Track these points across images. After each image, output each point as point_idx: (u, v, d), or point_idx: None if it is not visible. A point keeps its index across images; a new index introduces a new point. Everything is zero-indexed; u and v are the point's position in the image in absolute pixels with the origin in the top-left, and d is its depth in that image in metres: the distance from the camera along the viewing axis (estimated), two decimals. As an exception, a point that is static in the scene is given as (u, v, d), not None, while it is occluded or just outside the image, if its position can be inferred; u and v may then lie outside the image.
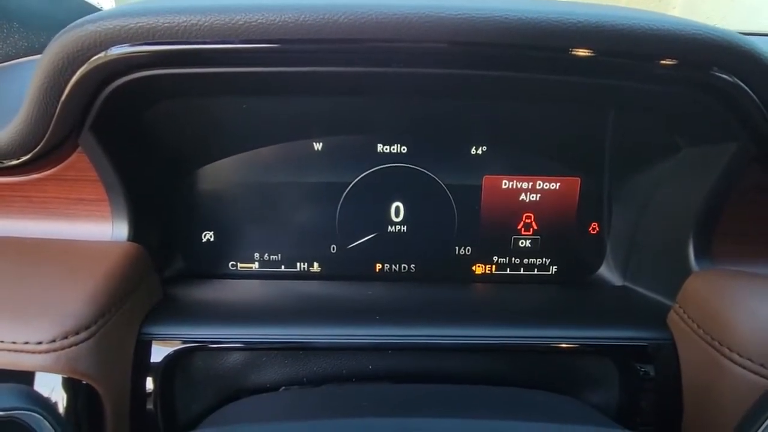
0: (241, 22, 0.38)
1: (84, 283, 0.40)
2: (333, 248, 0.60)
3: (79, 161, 0.45)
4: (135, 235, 0.49)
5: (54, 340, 0.37)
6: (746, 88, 0.39)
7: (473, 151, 0.59)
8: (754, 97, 0.40)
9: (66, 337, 0.37)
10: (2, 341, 0.36)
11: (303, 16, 0.38)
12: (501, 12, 0.39)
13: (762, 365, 0.37)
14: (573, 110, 0.56)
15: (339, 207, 0.59)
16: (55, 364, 0.36)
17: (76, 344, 0.37)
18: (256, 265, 0.60)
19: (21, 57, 0.66)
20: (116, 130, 0.45)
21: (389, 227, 0.60)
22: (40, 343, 0.36)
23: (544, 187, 0.60)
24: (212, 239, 0.59)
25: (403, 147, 0.58)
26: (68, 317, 0.37)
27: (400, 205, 0.60)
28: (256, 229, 0.59)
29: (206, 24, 0.37)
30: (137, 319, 0.44)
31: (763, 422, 0.34)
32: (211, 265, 0.59)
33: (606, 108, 0.54)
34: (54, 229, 0.49)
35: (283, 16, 0.38)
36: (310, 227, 0.59)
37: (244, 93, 0.52)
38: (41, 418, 0.30)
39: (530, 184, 0.60)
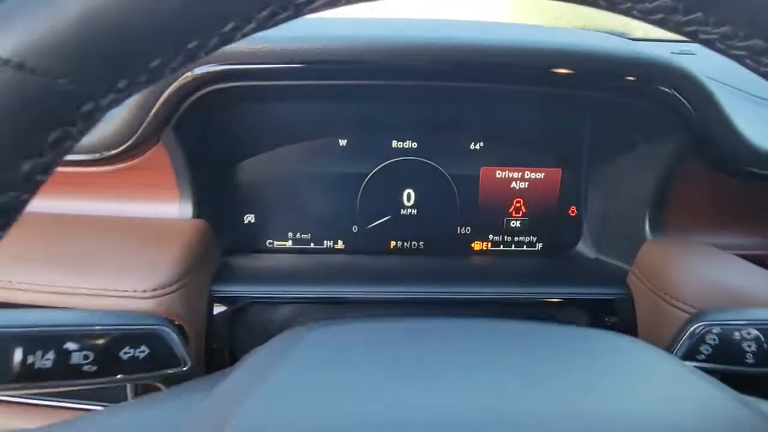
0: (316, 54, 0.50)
1: (171, 249, 0.51)
2: (354, 228, 0.71)
3: (158, 153, 0.57)
4: (196, 215, 0.60)
5: (155, 289, 0.48)
6: (680, 96, 0.51)
7: (472, 146, 0.70)
8: (686, 102, 0.52)
9: (162, 288, 0.48)
10: (115, 290, 0.47)
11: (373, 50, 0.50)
12: (500, 44, 0.51)
13: (690, 305, 0.49)
14: (555, 114, 0.68)
15: (360, 193, 0.70)
16: (156, 307, 0.48)
17: (169, 294, 0.49)
18: (289, 243, 0.72)
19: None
20: (191, 129, 0.56)
21: (402, 210, 0.72)
22: (144, 291, 0.48)
23: (531, 176, 0.71)
24: (253, 221, 0.70)
25: (413, 143, 0.70)
26: (163, 274, 0.49)
27: (411, 191, 0.71)
28: (289, 212, 0.70)
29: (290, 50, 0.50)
30: (208, 280, 0.55)
31: (680, 341, 0.46)
32: (251, 243, 0.71)
33: (580, 112, 0.66)
34: (130, 210, 0.60)
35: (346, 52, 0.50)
36: (335, 210, 0.71)
37: (290, 99, 0.63)
38: (170, 331, 0.42)
39: (520, 174, 0.71)
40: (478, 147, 0.70)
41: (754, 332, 0.40)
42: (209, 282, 0.55)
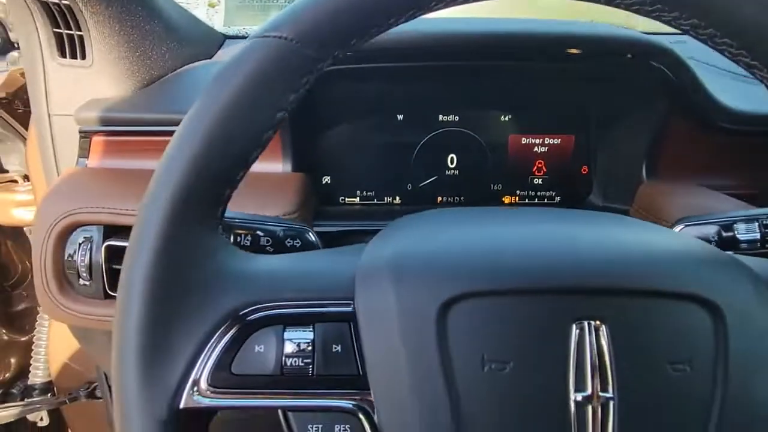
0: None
1: (290, 188, 0.69)
2: (409, 186, 0.89)
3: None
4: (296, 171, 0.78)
5: (284, 215, 0.65)
6: (666, 70, 0.69)
7: (502, 118, 0.88)
8: (670, 74, 0.70)
9: (285, 215, 0.66)
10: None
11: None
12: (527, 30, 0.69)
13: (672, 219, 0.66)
14: (569, 89, 0.86)
15: (413, 158, 0.88)
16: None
17: (293, 218, 0.66)
18: (357, 199, 0.89)
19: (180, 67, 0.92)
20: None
21: (446, 172, 0.89)
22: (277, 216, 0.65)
23: (550, 142, 0.89)
24: (329, 181, 0.88)
25: (456, 117, 0.87)
26: (289, 205, 0.66)
27: (454, 156, 0.88)
28: (358, 174, 0.88)
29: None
30: (311, 217, 0.73)
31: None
32: (328, 200, 0.88)
33: (589, 86, 0.84)
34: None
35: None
36: (394, 172, 0.88)
37: (363, 80, 0.81)
38: (310, 231, 0.59)
39: (541, 140, 0.89)
40: (507, 119, 0.88)
41: (714, 228, 0.57)
42: (311, 219, 0.73)
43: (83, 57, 0.74)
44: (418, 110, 0.86)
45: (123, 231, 0.66)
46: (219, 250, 0.36)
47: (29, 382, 1.14)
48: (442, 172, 0.89)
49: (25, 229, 1.12)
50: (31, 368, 1.14)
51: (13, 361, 1.21)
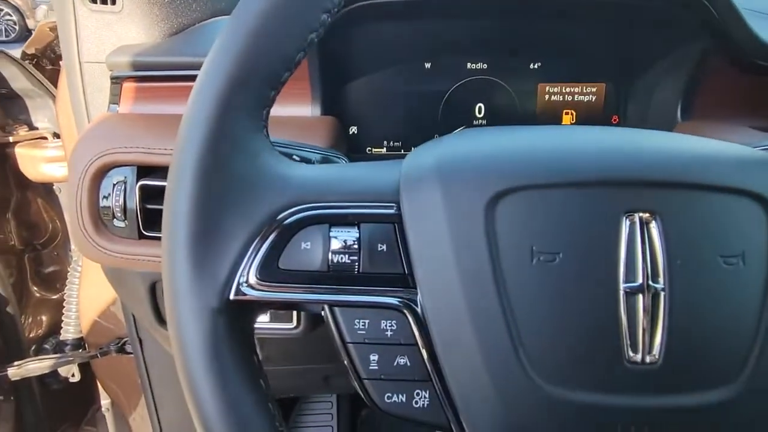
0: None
1: (323, 130, 0.69)
2: (436, 136, 0.88)
3: (301, 65, 0.74)
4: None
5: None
6: (708, 4, 0.68)
7: (531, 66, 0.86)
8: (712, 9, 0.68)
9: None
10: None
11: None
12: None
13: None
14: (601, 34, 0.84)
15: (441, 107, 0.87)
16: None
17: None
18: (384, 150, 0.89)
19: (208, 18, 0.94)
20: (327, 44, 0.73)
21: (474, 121, 0.88)
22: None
23: (580, 90, 0.87)
24: (356, 132, 0.88)
25: (484, 64, 0.86)
26: (324, 143, 0.66)
27: (482, 105, 0.88)
28: (385, 123, 0.88)
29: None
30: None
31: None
32: (355, 150, 0.88)
33: (624, 29, 0.82)
34: (274, 111, 0.77)
35: None
36: (422, 121, 0.88)
37: (392, 20, 0.80)
38: (345, 159, 0.59)
39: (570, 89, 0.87)
40: (536, 67, 0.87)
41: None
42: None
43: (113, 2, 0.75)
44: (446, 58, 0.85)
45: (157, 171, 0.67)
46: (265, 152, 0.36)
47: (61, 338, 1.17)
48: (470, 121, 0.88)
49: (54, 187, 1.13)
50: (62, 325, 1.16)
51: (44, 318, 1.24)
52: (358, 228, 0.36)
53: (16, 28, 8.11)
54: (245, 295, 0.34)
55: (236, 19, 0.35)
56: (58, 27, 0.80)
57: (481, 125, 0.88)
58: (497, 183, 0.34)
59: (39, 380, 1.18)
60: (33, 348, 1.21)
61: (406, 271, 0.35)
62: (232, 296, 0.33)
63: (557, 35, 0.84)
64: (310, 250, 0.35)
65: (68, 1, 0.76)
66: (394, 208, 0.36)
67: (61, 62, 0.94)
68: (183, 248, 0.32)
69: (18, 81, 0.98)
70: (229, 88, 0.33)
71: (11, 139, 1.00)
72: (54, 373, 1.18)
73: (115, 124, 0.72)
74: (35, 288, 1.22)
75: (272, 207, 0.35)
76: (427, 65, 0.86)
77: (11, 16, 8.15)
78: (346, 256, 0.35)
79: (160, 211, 0.35)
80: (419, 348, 0.34)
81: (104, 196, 0.68)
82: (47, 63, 1.06)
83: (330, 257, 0.35)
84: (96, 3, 0.75)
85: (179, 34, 0.80)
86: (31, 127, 1.06)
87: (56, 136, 1.05)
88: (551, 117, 0.88)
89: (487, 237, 0.33)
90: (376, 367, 0.34)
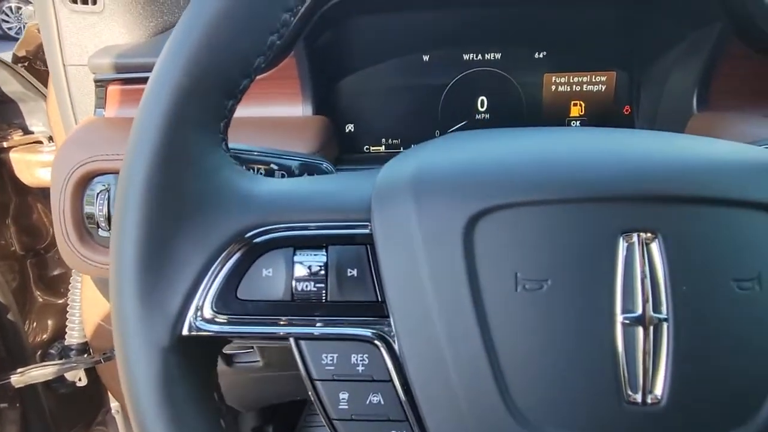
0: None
1: (311, 130, 0.65)
2: (437, 133, 0.84)
3: (289, 64, 0.70)
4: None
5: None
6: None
7: (536, 55, 0.82)
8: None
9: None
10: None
11: None
12: None
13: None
14: (609, 21, 0.79)
15: (441, 102, 0.83)
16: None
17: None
18: (382, 148, 0.85)
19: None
20: (315, 41, 0.70)
21: (476, 116, 0.84)
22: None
23: (589, 80, 0.82)
24: (352, 130, 0.84)
25: (485, 55, 0.82)
26: (308, 147, 0.63)
27: (484, 98, 0.83)
28: (382, 120, 0.84)
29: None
30: (332, 161, 0.69)
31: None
32: (352, 149, 0.85)
33: (634, 14, 0.77)
34: (263, 112, 0.74)
35: None
36: (421, 118, 0.83)
37: (386, 12, 0.76)
38: (329, 164, 0.56)
39: (578, 78, 0.82)
40: (541, 56, 0.82)
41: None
42: (334, 160, 0.70)
43: (94, 2, 0.72)
44: (445, 49, 0.81)
45: (140, 178, 0.64)
46: (223, 168, 0.33)
47: (66, 343, 1.16)
48: (472, 116, 0.84)
49: (53, 191, 1.12)
50: (66, 329, 1.15)
51: (50, 323, 1.23)
52: (326, 251, 0.32)
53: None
54: (200, 330, 0.31)
55: (186, 22, 0.32)
56: (40, 29, 0.78)
57: (483, 120, 0.84)
58: (478, 201, 0.30)
59: (45, 385, 1.17)
60: (39, 353, 1.20)
61: (379, 299, 0.32)
62: (184, 332, 0.30)
63: (563, 21, 0.79)
64: (272, 277, 0.32)
65: (48, 1, 0.73)
66: (367, 228, 0.32)
67: (52, 64, 0.92)
68: (130, 279, 0.29)
69: (10, 85, 0.96)
70: (179, 100, 0.30)
71: (5, 144, 0.98)
72: (60, 378, 1.17)
73: (98, 130, 0.69)
74: (39, 293, 1.21)
75: (230, 230, 0.32)
76: (425, 58, 0.81)
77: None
78: (312, 283, 0.32)
79: None
80: (393, 385, 0.31)
81: (88, 204, 0.66)
82: (41, 65, 1.04)
83: (294, 285, 0.32)
84: (77, 3, 0.72)
85: (164, 33, 0.77)
86: (26, 132, 1.05)
87: (51, 140, 1.03)
88: (558, 109, 0.83)
89: (466, 261, 0.29)
90: (346, 407, 0.31)
